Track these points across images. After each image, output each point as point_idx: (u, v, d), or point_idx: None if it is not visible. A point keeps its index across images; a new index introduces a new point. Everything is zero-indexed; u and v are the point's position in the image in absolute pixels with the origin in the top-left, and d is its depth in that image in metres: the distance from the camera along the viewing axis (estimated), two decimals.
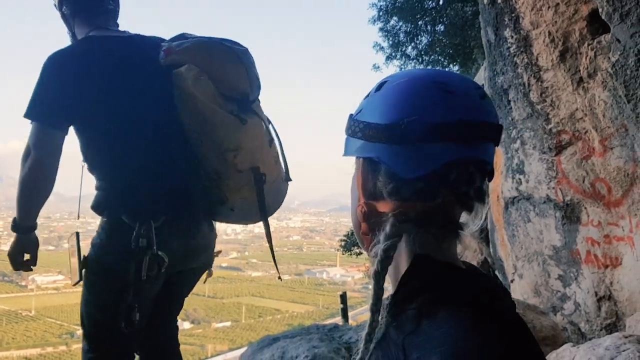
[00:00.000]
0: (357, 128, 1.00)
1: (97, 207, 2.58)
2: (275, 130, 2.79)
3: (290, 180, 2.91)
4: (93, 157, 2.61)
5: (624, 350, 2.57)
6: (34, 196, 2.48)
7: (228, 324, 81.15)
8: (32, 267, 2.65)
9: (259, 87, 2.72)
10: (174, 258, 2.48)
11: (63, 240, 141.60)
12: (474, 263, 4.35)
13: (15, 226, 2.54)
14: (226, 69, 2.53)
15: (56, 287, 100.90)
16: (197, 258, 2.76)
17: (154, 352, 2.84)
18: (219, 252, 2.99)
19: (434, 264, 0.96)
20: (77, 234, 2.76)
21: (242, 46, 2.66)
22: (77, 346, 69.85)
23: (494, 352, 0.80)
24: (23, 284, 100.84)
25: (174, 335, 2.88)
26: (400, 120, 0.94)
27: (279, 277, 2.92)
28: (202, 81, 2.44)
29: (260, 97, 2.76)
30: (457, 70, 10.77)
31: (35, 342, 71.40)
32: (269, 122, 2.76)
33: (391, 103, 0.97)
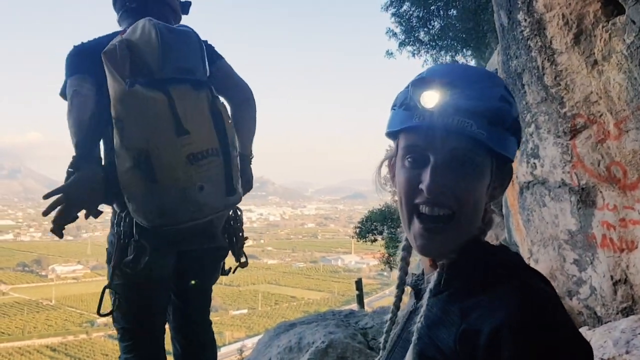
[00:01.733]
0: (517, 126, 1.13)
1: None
2: (225, 127, 2.69)
3: (233, 194, 2.75)
4: None
5: (639, 333, 2.58)
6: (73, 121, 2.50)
7: (245, 311, 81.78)
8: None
9: (183, 69, 2.62)
10: (174, 238, 2.55)
11: (82, 230, 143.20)
12: None
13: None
14: (143, 45, 2.50)
15: (75, 276, 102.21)
16: (202, 238, 2.79)
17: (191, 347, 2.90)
18: (246, 238, 3.02)
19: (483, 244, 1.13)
20: None
21: (183, 26, 2.69)
22: (97, 334, 70.86)
23: (554, 304, 0.95)
24: (43, 273, 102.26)
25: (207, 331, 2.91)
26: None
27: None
28: (114, 46, 2.45)
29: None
30: (470, 55, 10.71)
31: (56, 330, 72.48)
32: (218, 120, 2.66)
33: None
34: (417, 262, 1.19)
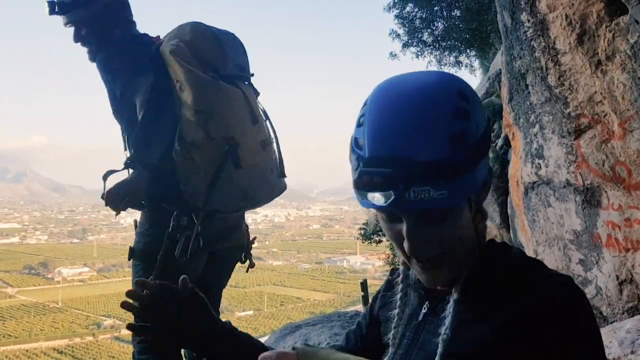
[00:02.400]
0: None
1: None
2: (269, 120, 2.90)
3: (285, 176, 2.95)
4: None
5: None
6: None
7: (250, 312, 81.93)
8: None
9: (240, 67, 2.85)
10: (212, 236, 2.60)
11: (87, 233, 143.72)
12: None
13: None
14: (201, 44, 2.66)
15: (82, 279, 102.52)
16: (230, 237, 2.85)
17: None
18: (254, 238, 3.08)
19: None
20: None
21: (227, 32, 2.83)
22: (104, 336, 71.06)
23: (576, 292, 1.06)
24: (49, 276, 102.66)
25: None
26: None
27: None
28: (179, 44, 2.56)
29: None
30: (474, 55, 10.72)
31: (62, 333, 72.74)
32: (266, 115, 2.86)
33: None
34: None
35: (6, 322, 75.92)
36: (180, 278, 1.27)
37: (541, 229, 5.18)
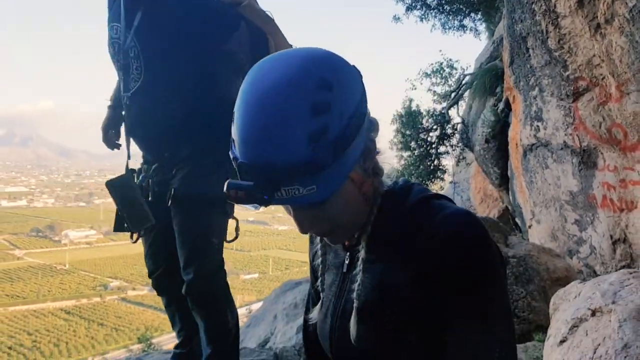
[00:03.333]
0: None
1: None
2: None
3: None
4: None
5: (627, 285, 2.69)
6: None
7: (256, 275, 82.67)
8: None
9: None
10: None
11: (94, 196, 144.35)
12: (495, 211, 4.57)
13: None
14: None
15: (88, 241, 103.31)
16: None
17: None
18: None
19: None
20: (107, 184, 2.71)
21: None
22: (110, 297, 71.95)
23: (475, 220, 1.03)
24: (57, 239, 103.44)
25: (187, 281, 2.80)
26: None
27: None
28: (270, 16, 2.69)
29: None
30: (480, 19, 10.65)
31: (70, 294, 73.59)
32: None
33: None
34: None
35: (14, 283, 76.81)
36: None
37: (539, 190, 5.28)
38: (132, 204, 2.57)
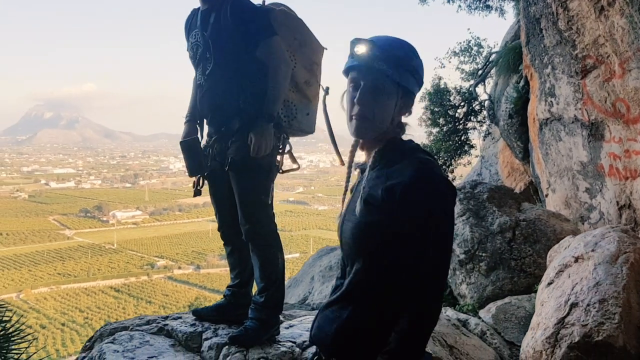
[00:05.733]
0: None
1: None
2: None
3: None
4: None
5: (606, 237, 3.14)
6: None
7: (297, 255, 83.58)
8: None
9: None
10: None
11: (139, 177, 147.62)
12: (522, 184, 5.22)
13: (270, 117, 3.15)
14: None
15: (135, 221, 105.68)
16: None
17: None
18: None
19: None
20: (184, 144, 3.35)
21: None
22: (157, 276, 73.80)
23: (434, 167, 1.62)
24: (104, 219, 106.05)
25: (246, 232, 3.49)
26: None
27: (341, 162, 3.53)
28: (287, 9, 3.32)
29: None
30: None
31: (119, 272, 75.59)
32: None
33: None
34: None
35: (65, 262, 79.39)
36: None
37: (553, 162, 5.67)
38: (193, 157, 3.27)
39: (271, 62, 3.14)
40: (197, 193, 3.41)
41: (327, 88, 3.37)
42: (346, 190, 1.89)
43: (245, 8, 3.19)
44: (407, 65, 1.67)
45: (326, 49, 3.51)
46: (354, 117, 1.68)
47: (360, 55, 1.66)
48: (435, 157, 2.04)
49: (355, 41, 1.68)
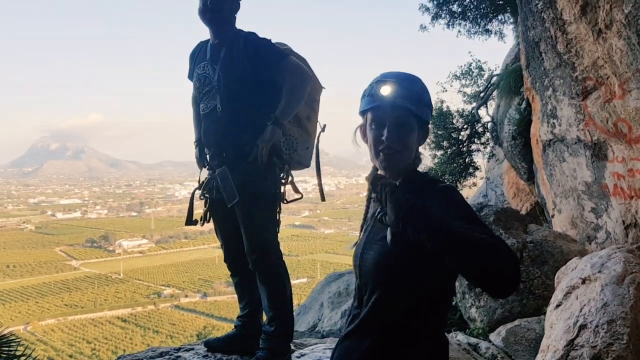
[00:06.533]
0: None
1: None
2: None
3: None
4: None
5: (613, 258, 3.16)
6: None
7: (304, 280, 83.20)
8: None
9: None
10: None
11: (144, 206, 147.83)
12: (527, 204, 5.27)
13: (280, 124, 3.24)
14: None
15: (141, 250, 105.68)
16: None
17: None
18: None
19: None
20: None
21: None
22: (164, 305, 73.52)
23: (453, 187, 1.77)
24: (110, 248, 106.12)
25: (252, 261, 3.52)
26: None
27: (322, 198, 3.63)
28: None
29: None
30: (508, 21, 11.01)
31: (125, 302, 75.37)
32: None
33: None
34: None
35: (72, 293, 79.29)
36: None
37: (558, 182, 5.70)
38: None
39: (292, 78, 3.23)
40: (192, 223, 3.48)
41: (324, 125, 3.52)
42: (365, 219, 1.97)
43: (259, 39, 3.32)
44: (424, 99, 1.82)
45: (324, 88, 3.62)
46: (382, 153, 1.78)
47: (386, 95, 1.77)
48: (441, 179, 2.23)
49: (380, 82, 1.79)
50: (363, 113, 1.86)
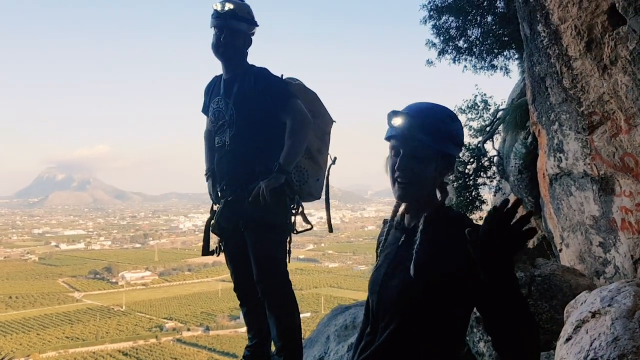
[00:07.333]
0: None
1: None
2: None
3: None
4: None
5: (622, 292, 3.15)
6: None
7: (308, 314, 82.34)
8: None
9: None
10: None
11: (148, 238, 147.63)
12: (535, 239, 5.28)
13: (284, 171, 3.30)
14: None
15: (144, 282, 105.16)
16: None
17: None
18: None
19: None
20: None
21: None
22: (166, 339, 72.81)
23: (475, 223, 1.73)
24: (113, 280, 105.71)
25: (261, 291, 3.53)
26: None
27: (330, 230, 3.66)
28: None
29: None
30: (514, 57, 11.15)
31: (127, 335, 74.70)
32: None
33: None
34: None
35: (74, 325, 78.72)
36: None
37: (565, 216, 5.71)
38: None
39: (294, 122, 3.28)
40: (209, 253, 3.51)
41: (335, 158, 3.58)
42: (384, 244, 1.98)
43: (270, 76, 3.44)
44: (443, 131, 1.79)
45: (335, 121, 3.68)
46: (396, 183, 1.80)
47: (397, 126, 1.78)
48: (465, 214, 2.24)
49: (392, 114, 1.81)
50: (387, 140, 1.88)
